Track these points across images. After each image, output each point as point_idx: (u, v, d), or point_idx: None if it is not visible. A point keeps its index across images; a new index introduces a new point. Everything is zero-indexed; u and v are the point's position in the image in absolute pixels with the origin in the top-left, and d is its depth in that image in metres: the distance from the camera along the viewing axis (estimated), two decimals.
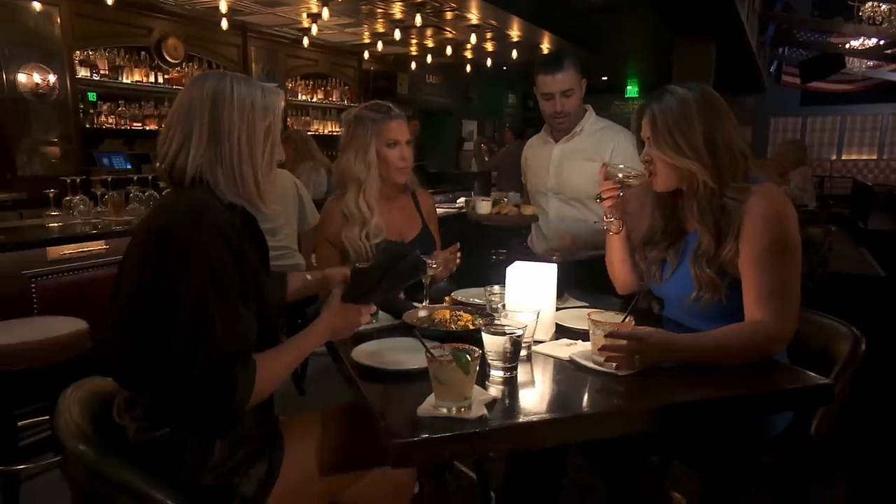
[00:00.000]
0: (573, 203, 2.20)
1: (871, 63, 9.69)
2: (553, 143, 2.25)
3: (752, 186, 1.37)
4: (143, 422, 1.08)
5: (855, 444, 2.40)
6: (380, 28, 6.27)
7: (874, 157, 11.66)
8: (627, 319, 1.29)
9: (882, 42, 8.40)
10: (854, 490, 2.19)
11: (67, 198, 3.21)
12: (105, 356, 1.13)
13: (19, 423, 2.26)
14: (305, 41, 6.27)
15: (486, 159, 6.58)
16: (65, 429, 1.07)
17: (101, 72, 5.07)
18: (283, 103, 1.25)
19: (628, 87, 11.54)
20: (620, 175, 1.55)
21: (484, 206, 4.16)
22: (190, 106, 1.15)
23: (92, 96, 5.17)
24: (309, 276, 1.56)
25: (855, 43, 8.60)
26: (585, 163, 2.14)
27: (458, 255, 1.78)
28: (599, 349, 1.24)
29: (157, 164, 1.20)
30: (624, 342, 1.21)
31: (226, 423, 1.06)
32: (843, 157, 11.86)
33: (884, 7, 7.10)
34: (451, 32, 6.43)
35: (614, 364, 1.22)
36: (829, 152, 11.94)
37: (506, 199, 2.17)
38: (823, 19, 9.14)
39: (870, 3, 7.23)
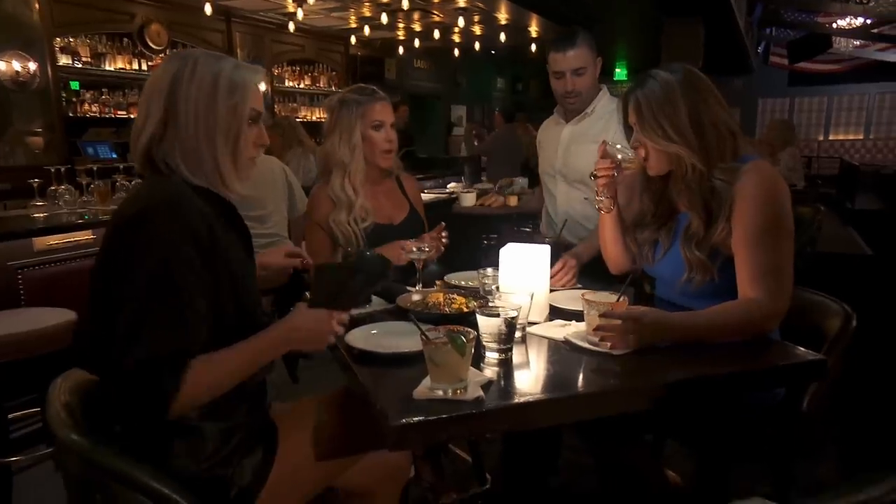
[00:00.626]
0: (578, 185, 2.16)
1: (857, 43, 9.72)
2: (564, 124, 2.20)
3: (742, 166, 1.36)
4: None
5: (845, 419, 2.43)
6: (366, 12, 6.19)
7: (861, 136, 11.74)
8: (622, 299, 1.29)
9: (869, 21, 8.42)
10: (844, 465, 2.23)
11: (52, 188, 3.17)
12: (81, 344, 1.11)
13: (10, 416, 2.25)
14: (291, 26, 6.19)
15: (476, 144, 6.55)
16: (56, 419, 1.05)
17: (83, 59, 4.98)
18: (261, 82, 1.17)
19: (617, 71, 11.51)
20: (619, 156, 1.54)
21: (468, 199, 4.18)
22: (153, 85, 1.11)
23: (74, 84, 5.07)
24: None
25: (842, 22, 8.61)
26: (592, 145, 2.08)
27: (445, 234, 1.77)
28: (594, 329, 1.24)
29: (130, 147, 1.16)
30: (618, 322, 1.21)
31: (152, 417, 1.03)
32: (831, 138, 11.94)
33: None
34: (438, 15, 6.36)
35: (609, 344, 1.22)
36: (816, 132, 12.01)
37: (494, 188, 2.12)
38: None
39: None
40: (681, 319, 1.29)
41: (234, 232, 1.18)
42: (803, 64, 10.22)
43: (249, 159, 1.18)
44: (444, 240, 1.77)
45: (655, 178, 1.50)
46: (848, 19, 8.37)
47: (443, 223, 1.80)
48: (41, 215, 2.98)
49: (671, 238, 1.50)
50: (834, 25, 8.79)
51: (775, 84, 11.79)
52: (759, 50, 10.74)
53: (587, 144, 2.11)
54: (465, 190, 4.22)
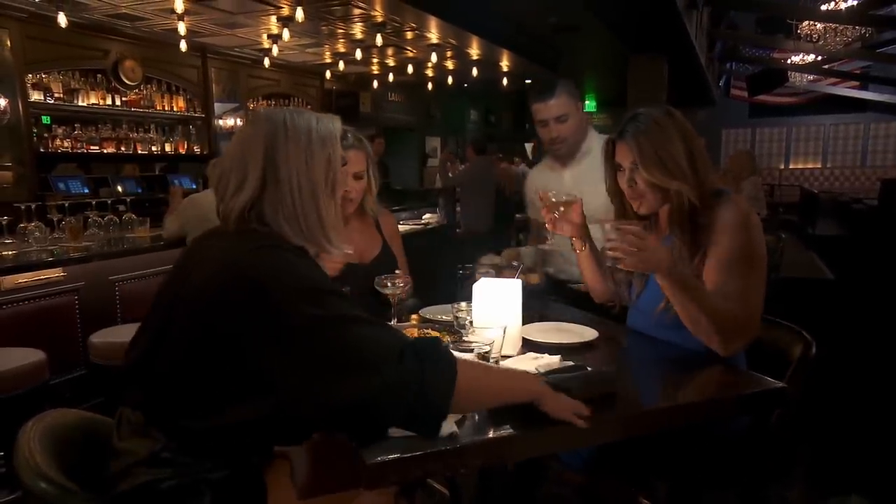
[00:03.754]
0: (593, 224, 2.20)
1: (811, 77, 10.22)
2: (561, 169, 2.23)
3: (721, 199, 1.43)
4: (162, 459, 1.01)
5: (813, 441, 2.50)
6: (341, 48, 6.30)
7: (819, 165, 12.23)
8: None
9: (819, 58, 8.88)
10: (813, 486, 2.28)
11: (22, 225, 3.12)
12: (148, 386, 1.05)
13: None
14: (266, 62, 6.25)
15: (450, 175, 6.63)
16: (24, 465, 1.03)
17: (56, 95, 4.95)
18: (340, 129, 1.17)
19: (586, 102, 11.86)
20: (555, 199, 1.64)
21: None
22: (245, 146, 1.09)
23: (46, 119, 5.03)
24: None
25: (795, 58, 9.06)
26: (601, 184, 2.14)
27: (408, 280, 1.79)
28: (607, 240, 1.29)
29: (217, 206, 1.12)
30: (631, 236, 1.26)
31: (437, 413, 0.99)
32: (791, 166, 12.41)
33: (819, 26, 7.52)
34: (411, 51, 6.51)
35: (618, 258, 1.28)
36: (777, 161, 12.47)
37: (514, 264, 2.02)
38: (766, 36, 9.61)
39: (807, 22, 7.65)
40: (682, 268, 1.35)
41: None
42: (763, 96, 10.70)
43: (339, 213, 1.17)
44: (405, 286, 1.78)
45: (630, 214, 1.55)
46: (801, 56, 8.82)
47: (397, 271, 1.83)
48: (10, 253, 2.93)
49: (645, 279, 1.56)
50: (788, 61, 9.24)
51: (737, 115, 12.25)
52: (721, 83, 11.19)
53: (597, 184, 2.14)
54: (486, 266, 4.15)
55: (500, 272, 1.82)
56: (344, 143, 1.84)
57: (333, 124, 1.16)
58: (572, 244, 1.69)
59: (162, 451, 1.02)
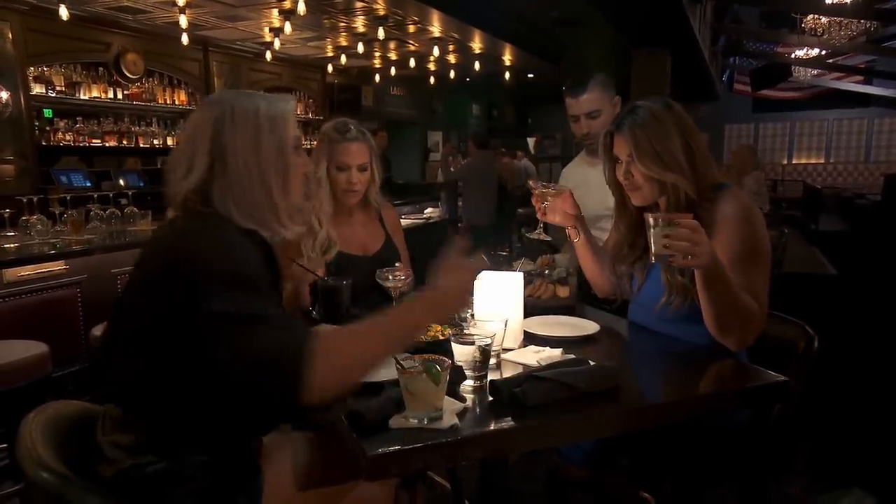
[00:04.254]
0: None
1: (815, 72, 10.17)
2: (600, 163, 2.24)
3: (720, 193, 1.42)
4: (143, 447, 1.03)
5: (815, 435, 2.50)
6: (343, 41, 6.29)
7: (822, 160, 12.18)
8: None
9: (824, 52, 8.83)
10: (815, 480, 2.28)
11: (24, 218, 3.12)
12: (114, 378, 1.06)
13: None
14: (268, 55, 6.25)
15: (452, 169, 6.63)
16: (27, 456, 1.03)
17: (58, 88, 4.96)
18: (294, 110, 1.14)
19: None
20: (542, 189, 1.65)
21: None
22: (194, 132, 1.08)
23: (48, 113, 5.04)
24: None
25: (799, 53, 9.01)
26: None
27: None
28: (664, 236, 1.21)
29: (168, 193, 1.10)
30: (688, 231, 1.20)
31: (286, 412, 1.00)
32: (794, 161, 12.36)
33: (824, 20, 7.48)
34: (413, 45, 6.49)
35: (672, 254, 1.21)
36: (780, 157, 12.42)
37: (547, 272, 1.96)
38: (770, 30, 9.56)
39: (811, 16, 7.60)
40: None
41: (270, 276, 1.15)
42: (766, 91, 10.64)
43: (299, 196, 1.15)
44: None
45: (630, 206, 1.55)
46: (805, 50, 8.77)
47: (396, 263, 1.83)
48: (12, 246, 2.93)
49: (645, 271, 1.55)
50: (793, 55, 9.19)
51: (740, 110, 12.20)
52: (724, 78, 11.14)
53: None
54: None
55: (531, 279, 1.81)
56: (348, 136, 1.86)
57: (286, 104, 1.13)
58: (567, 234, 1.69)
59: (142, 439, 1.03)
